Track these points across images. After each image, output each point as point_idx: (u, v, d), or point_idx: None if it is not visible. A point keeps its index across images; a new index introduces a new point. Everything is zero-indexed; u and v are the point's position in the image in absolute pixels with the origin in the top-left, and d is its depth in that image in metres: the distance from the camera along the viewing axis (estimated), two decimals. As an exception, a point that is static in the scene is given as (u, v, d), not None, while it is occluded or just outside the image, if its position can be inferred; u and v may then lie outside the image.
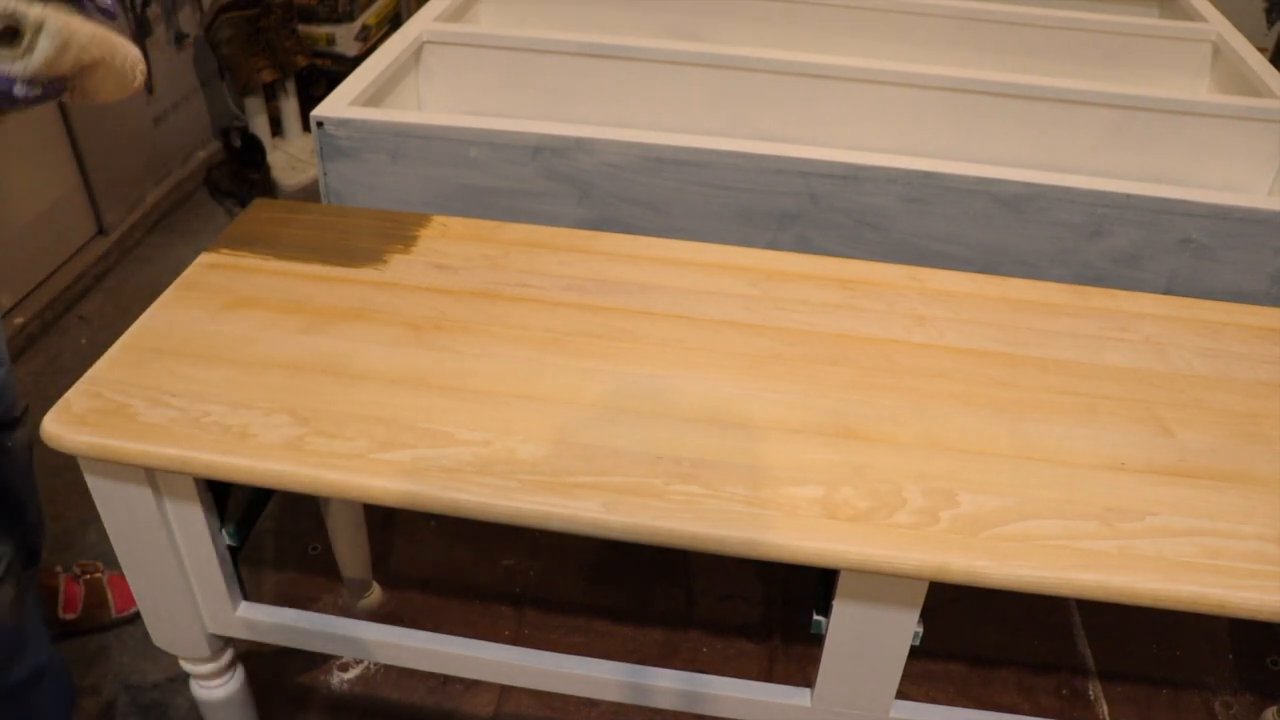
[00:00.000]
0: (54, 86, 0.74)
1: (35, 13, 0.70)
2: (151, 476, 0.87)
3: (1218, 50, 1.53)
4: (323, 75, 2.74)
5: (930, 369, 0.94)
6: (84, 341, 2.06)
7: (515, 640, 1.43)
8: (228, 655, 1.07)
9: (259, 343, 0.92)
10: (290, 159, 2.72)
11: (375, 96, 1.27)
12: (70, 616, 1.42)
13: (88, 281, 2.21)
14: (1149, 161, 1.34)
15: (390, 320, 0.97)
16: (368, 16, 2.76)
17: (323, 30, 2.69)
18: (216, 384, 0.87)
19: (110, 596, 1.45)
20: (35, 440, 1.12)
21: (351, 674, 1.41)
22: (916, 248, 1.14)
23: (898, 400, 0.90)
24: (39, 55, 0.71)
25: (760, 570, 1.56)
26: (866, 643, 0.86)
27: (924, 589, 0.81)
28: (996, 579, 0.75)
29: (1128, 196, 1.08)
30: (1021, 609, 1.51)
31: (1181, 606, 0.74)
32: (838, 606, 0.84)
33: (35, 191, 2.04)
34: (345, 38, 2.70)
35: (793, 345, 0.97)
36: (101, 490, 0.89)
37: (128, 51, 0.77)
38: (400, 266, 1.05)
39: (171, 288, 1.00)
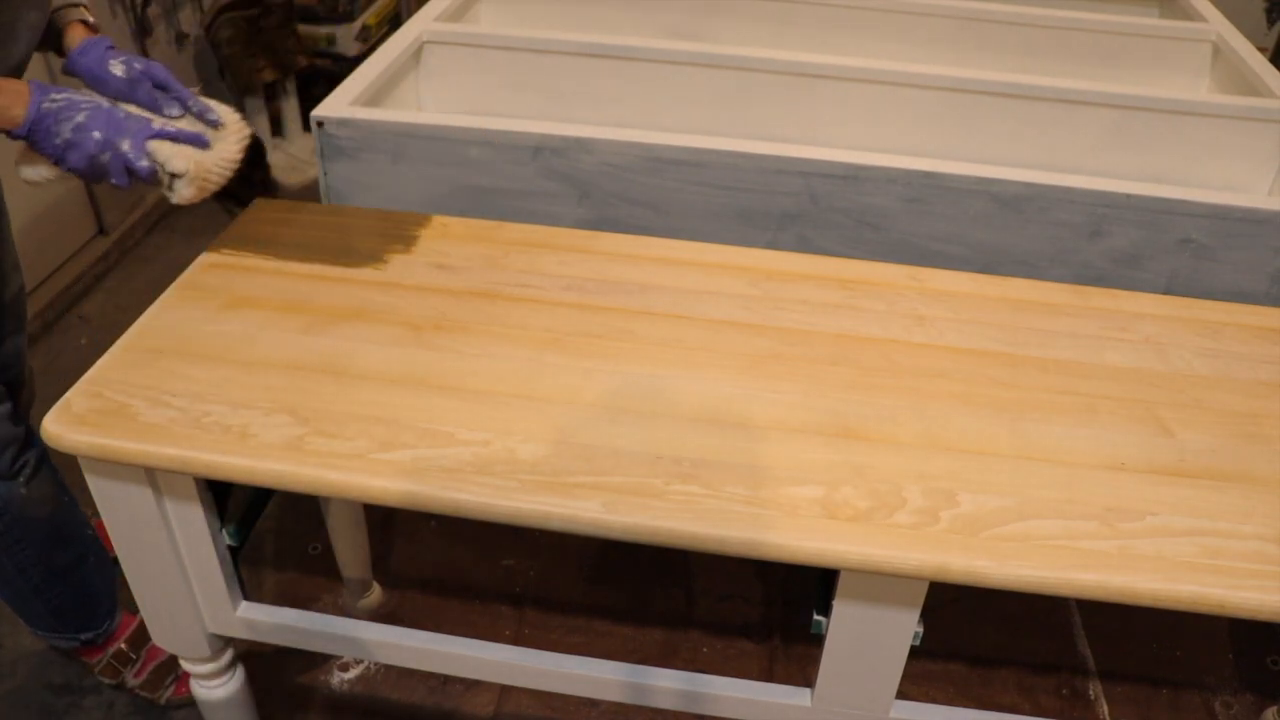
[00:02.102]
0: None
1: (176, 166, 0.95)
2: (152, 476, 0.87)
3: (1218, 50, 1.53)
4: (323, 75, 2.74)
5: (930, 369, 0.94)
6: (84, 341, 2.06)
7: (515, 640, 1.43)
8: (228, 655, 1.07)
9: (259, 343, 0.92)
10: (290, 159, 2.72)
11: (375, 96, 1.27)
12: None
13: (88, 281, 2.21)
14: (1149, 161, 1.34)
15: (390, 320, 0.97)
16: (368, 16, 2.76)
17: (323, 30, 2.69)
18: (216, 384, 0.87)
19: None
20: (34, 400, 1.27)
21: (351, 674, 1.41)
22: (916, 248, 1.14)
23: (898, 400, 0.90)
24: (178, 195, 0.97)
25: (760, 570, 1.56)
26: (866, 643, 0.86)
27: (924, 589, 0.81)
28: (996, 579, 0.75)
29: (1128, 196, 1.08)
30: (1021, 609, 1.51)
31: (1181, 606, 0.74)
32: (838, 606, 0.84)
33: (35, 192, 2.04)
34: (345, 38, 2.70)
35: (793, 345, 0.97)
36: (102, 490, 0.89)
37: (214, 166, 0.99)
38: (400, 266, 1.05)
39: (171, 288, 1.00)
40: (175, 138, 0.97)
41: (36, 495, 1.16)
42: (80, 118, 0.91)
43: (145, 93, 1.00)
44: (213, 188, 0.98)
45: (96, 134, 0.91)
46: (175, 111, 1.01)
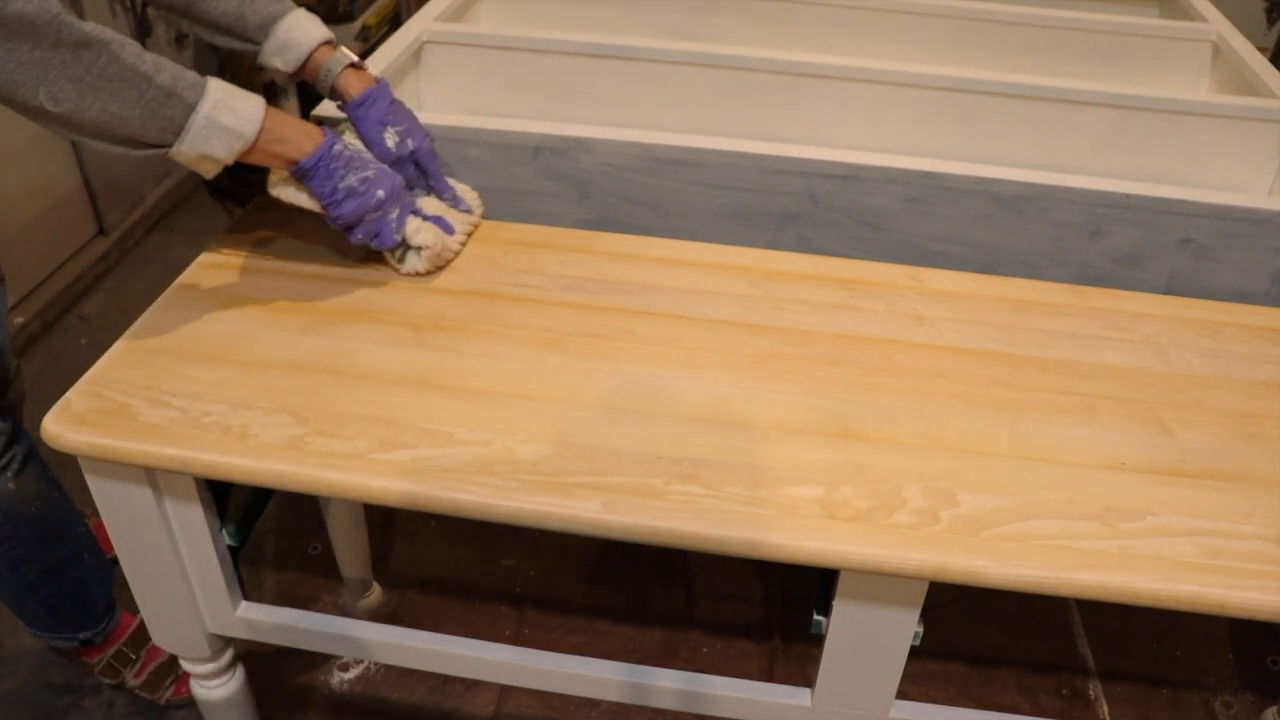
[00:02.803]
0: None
1: (421, 240, 1.01)
2: (152, 476, 0.87)
3: (1218, 50, 1.53)
4: (323, 75, 2.74)
5: (930, 369, 0.94)
6: (84, 341, 2.06)
7: (515, 640, 1.43)
8: (228, 655, 1.07)
9: (259, 343, 0.92)
10: (290, 159, 2.71)
11: (375, 96, 1.26)
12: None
13: (88, 281, 2.21)
14: (1149, 161, 1.34)
15: (390, 320, 0.97)
16: (368, 16, 2.76)
17: (323, 30, 2.69)
18: (216, 384, 0.87)
19: None
20: (26, 396, 1.26)
21: (351, 674, 1.41)
22: (916, 248, 1.14)
23: (898, 400, 0.90)
24: (408, 265, 1.03)
25: (760, 570, 1.56)
26: (866, 643, 0.86)
27: (924, 589, 0.81)
28: (996, 579, 0.75)
29: (1128, 196, 1.08)
30: (1021, 609, 1.51)
31: (1181, 606, 0.74)
32: (838, 606, 0.84)
33: (35, 191, 2.04)
34: (345, 38, 2.70)
35: (793, 345, 0.97)
36: (102, 490, 0.89)
37: (451, 248, 1.06)
38: (400, 266, 1.05)
39: (171, 288, 1.00)
40: (429, 220, 1.03)
41: (25, 491, 1.16)
42: (369, 173, 0.97)
43: (407, 172, 1.05)
44: (442, 264, 1.05)
45: (380, 193, 0.97)
46: (425, 195, 1.07)
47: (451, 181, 1.10)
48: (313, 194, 0.96)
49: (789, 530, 0.76)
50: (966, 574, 0.75)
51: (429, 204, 1.06)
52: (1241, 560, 0.76)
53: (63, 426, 0.82)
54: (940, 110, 1.34)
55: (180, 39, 2.42)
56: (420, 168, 1.06)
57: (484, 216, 1.15)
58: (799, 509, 0.78)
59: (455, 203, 1.09)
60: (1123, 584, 0.74)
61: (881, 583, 0.81)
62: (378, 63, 1.30)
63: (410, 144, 1.03)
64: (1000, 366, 0.95)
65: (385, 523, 1.61)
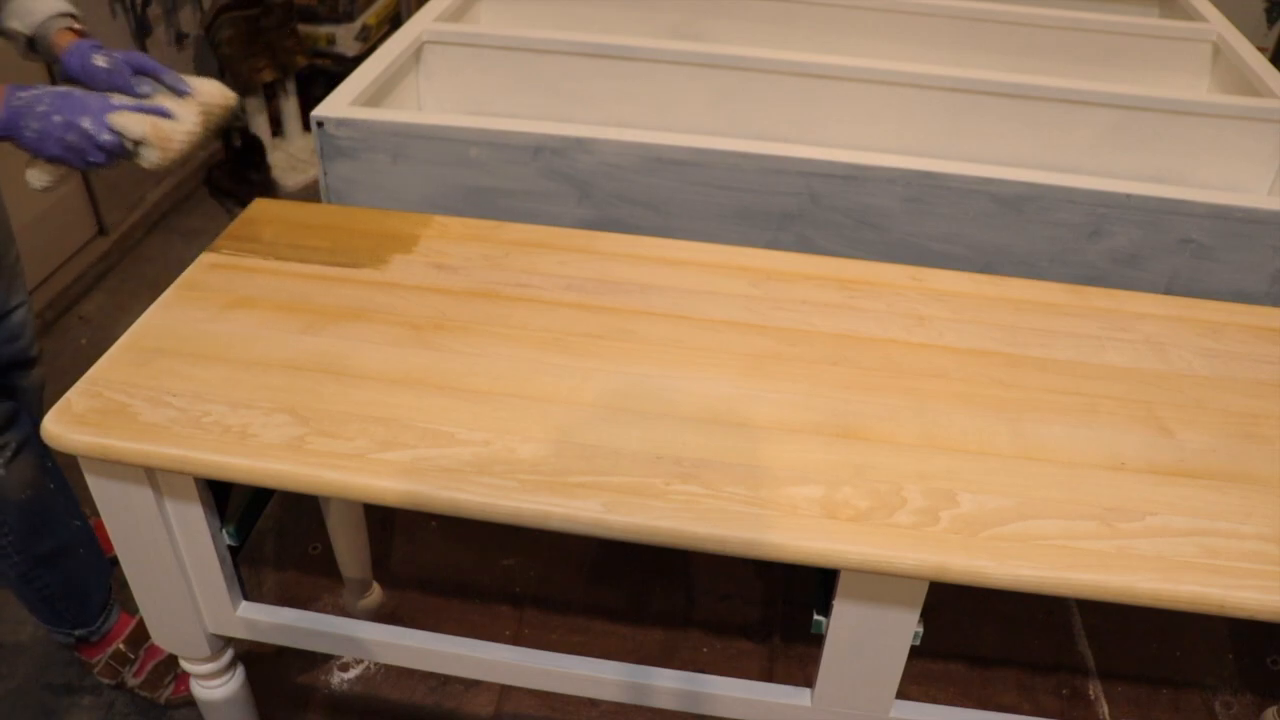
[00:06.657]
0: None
1: (133, 133, 0.97)
2: (152, 476, 0.87)
3: (1218, 50, 1.53)
4: (323, 75, 2.74)
5: (930, 369, 0.94)
6: (84, 341, 2.06)
7: (515, 640, 1.43)
8: (228, 655, 1.07)
9: (259, 343, 0.92)
10: (290, 159, 2.72)
11: (375, 96, 1.27)
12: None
13: (88, 281, 2.21)
14: (1149, 161, 1.34)
15: (390, 320, 0.97)
16: (368, 16, 2.76)
17: (323, 30, 2.69)
18: (216, 384, 0.87)
19: None
20: (45, 383, 1.28)
21: (351, 674, 1.41)
22: (916, 248, 1.14)
23: (898, 400, 0.90)
24: (145, 160, 0.99)
25: (760, 570, 1.56)
26: (866, 642, 0.86)
27: (924, 589, 0.81)
28: (996, 579, 0.75)
29: (1128, 196, 1.08)
30: (1021, 609, 1.51)
31: (1181, 606, 0.74)
32: (838, 606, 0.84)
33: (35, 192, 2.04)
34: (345, 38, 2.70)
35: (793, 345, 0.97)
36: (102, 490, 0.89)
37: (174, 133, 1.01)
38: (400, 266, 1.05)
39: (171, 288, 1.00)
40: (137, 110, 0.99)
41: (16, 479, 1.16)
42: (42, 107, 0.94)
43: (124, 79, 1.01)
44: (176, 153, 1.00)
45: (57, 117, 0.94)
46: (147, 89, 1.02)
47: (188, 79, 1.04)
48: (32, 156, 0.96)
49: (789, 530, 0.76)
50: (966, 574, 0.75)
51: (153, 100, 1.02)
52: (1241, 560, 0.76)
53: (63, 426, 0.82)
54: (941, 110, 1.34)
55: (180, 39, 2.42)
56: (139, 71, 1.01)
57: (481, 216, 1.14)
58: (799, 509, 0.78)
59: (175, 85, 1.02)
60: (1122, 584, 0.74)
61: (881, 583, 0.81)
62: (378, 63, 1.30)
63: (119, 55, 1.01)
64: (1000, 366, 0.95)
65: (385, 523, 1.61)
